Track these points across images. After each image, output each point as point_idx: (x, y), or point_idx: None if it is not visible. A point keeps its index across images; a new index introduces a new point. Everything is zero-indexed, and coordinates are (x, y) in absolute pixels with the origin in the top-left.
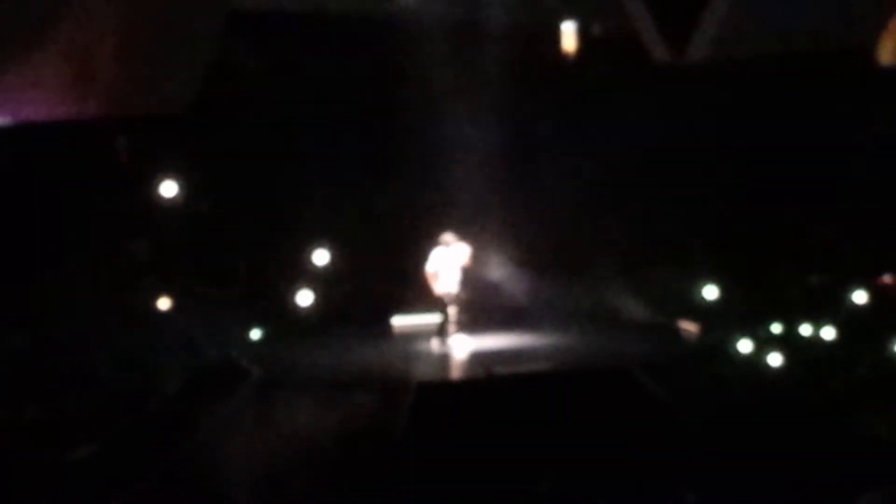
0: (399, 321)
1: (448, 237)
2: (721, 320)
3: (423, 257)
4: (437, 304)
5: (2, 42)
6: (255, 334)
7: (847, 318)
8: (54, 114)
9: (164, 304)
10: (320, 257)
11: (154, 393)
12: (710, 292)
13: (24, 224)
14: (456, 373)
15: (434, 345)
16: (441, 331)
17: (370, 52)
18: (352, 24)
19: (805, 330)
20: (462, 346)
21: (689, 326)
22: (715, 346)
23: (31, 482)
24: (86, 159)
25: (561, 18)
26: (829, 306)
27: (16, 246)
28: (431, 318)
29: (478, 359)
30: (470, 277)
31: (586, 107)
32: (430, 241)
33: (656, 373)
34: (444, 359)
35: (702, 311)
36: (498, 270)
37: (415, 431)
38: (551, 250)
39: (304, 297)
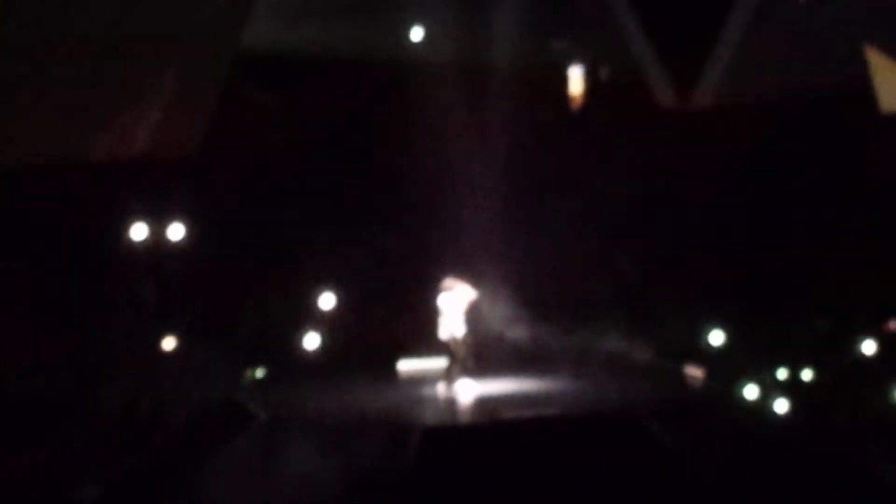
0: (405, 365)
1: (450, 282)
2: (727, 365)
3: (428, 301)
4: (443, 347)
5: None
6: (261, 376)
7: (854, 363)
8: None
9: (169, 344)
10: (326, 300)
11: (159, 433)
12: (717, 337)
13: (31, 264)
14: (462, 417)
15: (440, 389)
16: (447, 375)
17: (377, 94)
18: (359, 67)
19: (811, 375)
20: (468, 391)
21: (695, 371)
22: (721, 392)
23: None
24: (93, 201)
25: (568, 62)
26: (835, 351)
27: (23, 285)
28: (437, 362)
29: (484, 403)
30: (475, 321)
31: (592, 149)
32: (437, 284)
33: (662, 418)
34: (450, 403)
35: (708, 356)
36: (504, 314)
37: (421, 476)
38: (557, 294)
39: (310, 340)
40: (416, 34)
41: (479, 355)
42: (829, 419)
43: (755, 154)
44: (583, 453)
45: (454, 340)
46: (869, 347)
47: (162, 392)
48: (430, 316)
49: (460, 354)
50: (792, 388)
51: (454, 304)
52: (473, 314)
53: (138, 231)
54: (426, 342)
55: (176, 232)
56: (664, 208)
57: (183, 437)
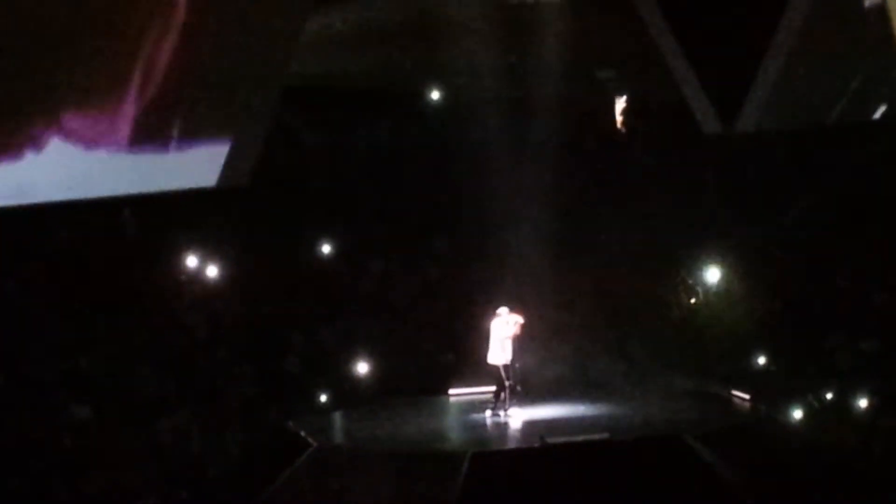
0: (454, 391)
1: (501, 310)
2: (774, 389)
3: (478, 328)
4: (492, 374)
5: None
6: (314, 404)
7: None
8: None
9: (223, 375)
10: (377, 328)
11: (215, 463)
12: (762, 360)
13: (83, 298)
14: (510, 442)
15: (488, 414)
16: (496, 400)
17: (425, 125)
18: (406, 99)
19: (858, 397)
20: (516, 416)
21: (741, 394)
22: (768, 415)
23: None
24: (145, 233)
25: (614, 91)
26: (881, 373)
27: (76, 320)
28: (486, 388)
29: (532, 428)
30: (523, 347)
31: (637, 177)
32: (485, 312)
33: (710, 442)
34: (499, 428)
35: (755, 380)
36: (551, 340)
37: (470, 500)
38: (604, 319)
39: (362, 368)
40: (462, 64)
41: (528, 381)
42: (875, 442)
43: (799, 180)
44: (631, 477)
45: (503, 366)
46: None
47: (215, 423)
48: (478, 343)
49: (509, 380)
50: (838, 412)
51: (503, 330)
52: (521, 340)
53: (188, 263)
54: (475, 368)
55: (225, 263)
56: (708, 234)
57: (238, 466)
